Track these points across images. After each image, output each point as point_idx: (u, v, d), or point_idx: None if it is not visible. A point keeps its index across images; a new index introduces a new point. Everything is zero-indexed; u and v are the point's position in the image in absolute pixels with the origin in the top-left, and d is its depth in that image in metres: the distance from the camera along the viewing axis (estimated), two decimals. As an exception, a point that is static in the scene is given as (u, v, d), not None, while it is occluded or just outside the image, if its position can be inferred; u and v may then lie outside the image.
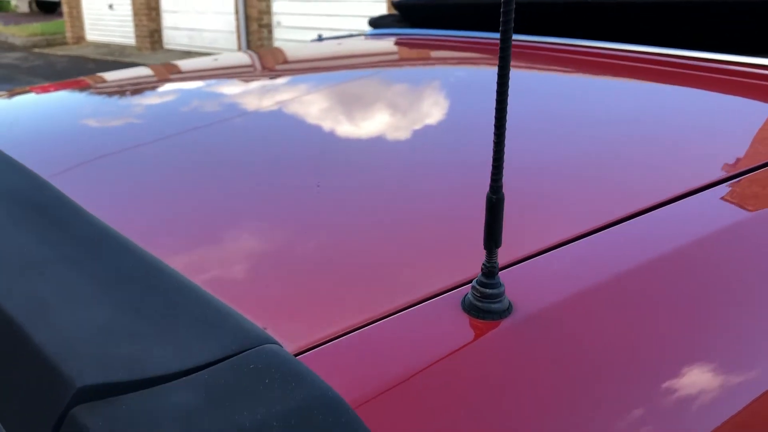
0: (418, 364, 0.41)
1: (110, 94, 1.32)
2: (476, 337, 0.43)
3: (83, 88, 1.37)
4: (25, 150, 0.88)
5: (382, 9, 7.56)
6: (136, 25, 11.13)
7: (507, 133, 0.41)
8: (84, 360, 0.36)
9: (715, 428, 0.42)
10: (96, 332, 0.39)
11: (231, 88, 1.26)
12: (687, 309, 0.48)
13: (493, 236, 0.42)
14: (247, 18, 9.43)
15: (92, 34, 12.60)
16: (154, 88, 1.36)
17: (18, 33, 13.08)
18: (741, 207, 0.61)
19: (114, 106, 1.21)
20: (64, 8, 12.71)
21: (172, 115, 1.06)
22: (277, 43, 9.39)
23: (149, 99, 1.25)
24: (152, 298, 0.44)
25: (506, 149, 0.41)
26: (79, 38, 12.70)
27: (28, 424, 0.35)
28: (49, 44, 12.59)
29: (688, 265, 0.53)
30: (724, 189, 0.63)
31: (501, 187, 0.41)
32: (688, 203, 0.60)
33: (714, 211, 0.60)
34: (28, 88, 1.38)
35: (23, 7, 20.10)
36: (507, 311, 0.44)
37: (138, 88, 1.35)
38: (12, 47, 12.54)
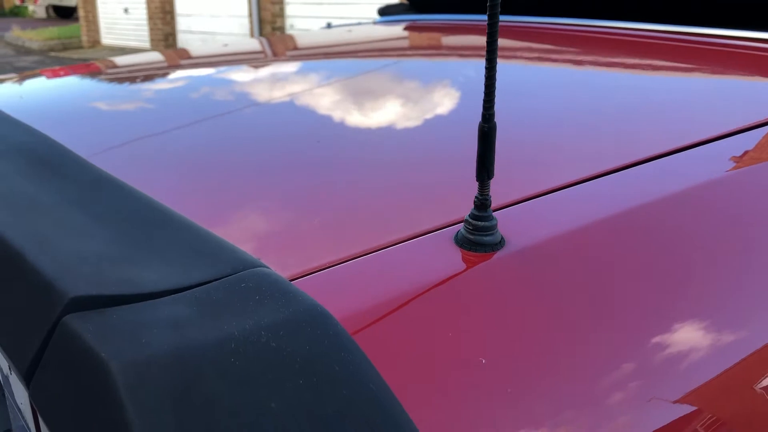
0: (407, 291, 0.41)
1: (120, 77, 1.33)
2: (467, 268, 0.43)
3: (93, 72, 1.39)
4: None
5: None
6: (151, 29, 11.23)
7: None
8: (78, 276, 0.37)
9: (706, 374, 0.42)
10: (92, 257, 0.40)
11: (242, 72, 1.27)
12: (676, 254, 0.48)
13: (485, 166, 0.42)
14: (261, 21, 9.48)
15: (107, 38, 12.72)
16: (163, 71, 1.37)
17: (35, 37, 13.23)
18: (733, 164, 0.61)
19: (122, 88, 1.23)
20: (80, 12, 12.84)
21: (182, 99, 1.07)
22: (290, 46, 9.40)
23: (158, 82, 1.26)
24: (149, 231, 0.44)
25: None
26: (95, 42, 12.82)
27: (23, 334, 0.36)
28: (65, 48, 12.72)
29: (679, 212, 0.53)
30: (716, 146, 0.63)
31: (493, 116, 0.42)
32: (679, 157, 0.60)
33: (707, 164, 0.60)
34: (38, 71, 1.39)
35: (41, 12, 20.34)
36: (499, 244, 0.44)
37: (147, 71, 1.37)
38: (29, 51, 12.69)
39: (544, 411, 0.38)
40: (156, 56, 1.52)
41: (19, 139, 0.64)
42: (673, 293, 0.46)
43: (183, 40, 11.09)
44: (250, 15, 9.53)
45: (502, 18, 1.40)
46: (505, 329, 0.40)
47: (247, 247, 0.44)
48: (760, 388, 0.46)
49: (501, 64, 1.02)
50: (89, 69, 1.39)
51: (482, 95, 0.41)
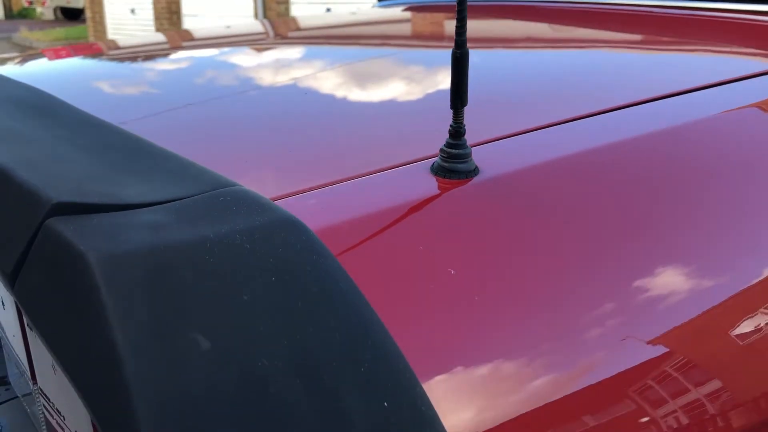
0: (382, 213, 0.43)
1: (122, 57, 1.35)
2: (441, 194, 0.44)
3: (95, 53, 1.41)
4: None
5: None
6: (157, 29, 11.28)
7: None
8: (62, 187, 0.38)
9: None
10: (76, 175, 0.42)
11: (242, 52, 1.29)
12: (652, 195, 0.50)
13: (459, 94, 0.44)
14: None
15: (114, 38, 12.78)
16: (165, 52, 1.39)
17: (42, 38, 13.31)
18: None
19: (125, 68, 1.24)
20: (87, 13, 12.92)
21: (183, 78, 1.09)
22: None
23: (160, 62, 1.28)
24: (132, 158, 0.46)
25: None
26: (102, 43, 12.87)
27: (9, 237, 0.37)
28: (73, 49, 12.77)
29: (656, 153, 0.54)
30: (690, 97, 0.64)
31: (465, 41, 0.43)
32: (654, 105, 0.61)
33: (679, 110, 0.61)
34: (40, 50, 1.41)
35: (48, 14, 20.46)
36: (473, 172, 0.45)
37: (149, 52, 1.38)
38: (36, 52, 12.75)
39: (511, 333, 0.40)
40: (158, 37, 1.54)
41: (11, 90, 0.65)
42: (646, 234, 0.47)
43: (189, 41, 11.13)
44: (256, 15, 9.57)
45: None
46: (476, 252, 0.42)
47: (229, 174, 0.46)
48: (735, 334, 0.47)
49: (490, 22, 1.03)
50: (91, 49, 1.41)
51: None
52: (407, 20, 1.48)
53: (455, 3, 1.52)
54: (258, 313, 0.33)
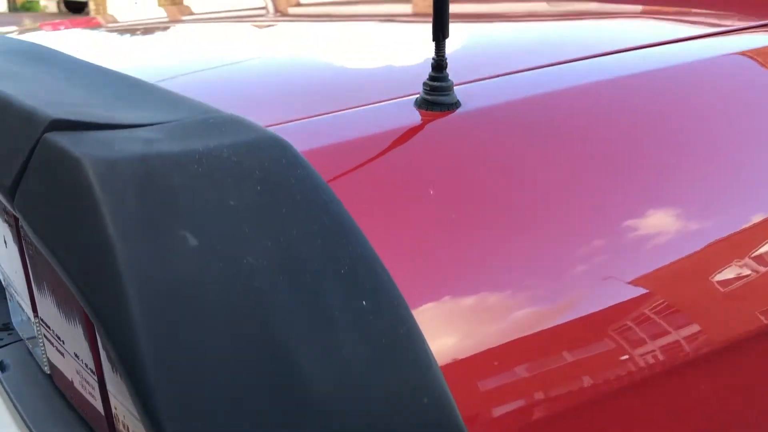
0: (367, 141, 0.44)
1: (120, 31, 1.37)
2: (424, 125, 0.46)
3: (94, 26, 1.43)
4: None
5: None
6: (161, 21, 11.30)
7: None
8: (59, 108, 0.40)
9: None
10: (73, 101, 0.44)
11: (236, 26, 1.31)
12: (635, 136, 0.51)
13: (440, 26, 0.45)
14: (269, 12, 9.53)
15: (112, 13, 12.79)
16: (163, 25, 1.41)
17: (46, 30, 13.33)
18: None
19: (123, 41, 1.26)
20: (91, 5, 12.94)
21: (177, 48, 1.11)
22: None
23: (157, 35, 1.30)
24: (128, 90, 0.48)
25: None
26: (105, 35, 12.90)
27: (9, 153, 0.39)
28: (76, 41, 12.81)
29: (637, 95, 0.55)
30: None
31: (445, -28, 0.45)
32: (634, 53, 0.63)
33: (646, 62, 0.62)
34: (38, 24, 1.43)
35: (52, 7, 20.47)
36: (455, 105, 0.47)
37: (147, 25, 1.40)
38: (40, 44, 12.78)
39: (492, 261, 0.42)
40: (159, 12, 1.56)
41: (8, 43, 0.68)
42: (629, 174, 0.48)
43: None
44: (259, 6, 9.60)
45: None
46: (457, 178, 0.43)
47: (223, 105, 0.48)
48: (715, 280, 0.49)
49: None
50: (89, 23, 1.43)
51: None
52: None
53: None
54: (244, 215, 0.34)
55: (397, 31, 0.86)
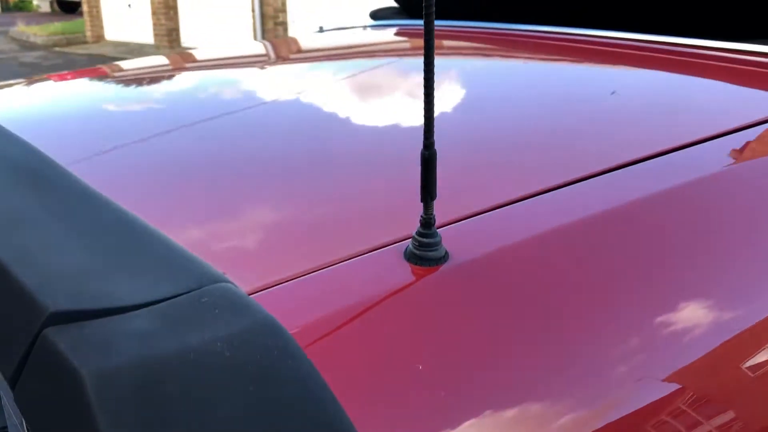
0: (360, 304, 0.46)
1: (126, 81, 1.38)
2: (414, 281, 0.47)
3: (100, 76, 1.44)
4: (40, 135, 0.95)
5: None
6: (155, 24, 11.27)
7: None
8: (57, 292, 0.41)
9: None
10: (69, 272, 0.45)
11: (240, 78, 1.32)
12: (606, 268, 0.53)
13: (428, 189, 0.47)
14: (263, 16, 9.51)
15: (111, 33, 12.77)
16: (168, 75, 1.42)
17: (39, 32, 13.29)
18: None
19: (129, 94, 1.27)
20: (84, 7, 12.90)
21: (181, 102, 1.12)
22: (292, 41, 9.46)
23: (162, 86, 1.31)
24: (125, 243, 0.49)
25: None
26: (99, 37, 12.87)
27: (9, 342, 0.40)
28: (69, 43, 12.78)
29: (607, 230, 0.57)
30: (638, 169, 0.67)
31: (433, 143, 0.46)
32: (621, 173, 0.64)
33: (636, 183, 0.64)
34: (45, 75, 1.44)
35: (45, 7, 20.41)
36: (443, 259, 0.48)
37: (153, 76, 1.41)
38: (33, 46, 12.75)
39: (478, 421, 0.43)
40: (162, 60, 1.57)
41: (6, 151, 0.68)
42: (612, 308, 0.50)
43: (187, 35, 11.14)
44: (253, 10, 9.57)
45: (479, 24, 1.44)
46: (446, 338, 0.45)
47: (215, 260, 0.49)
48: (745, 367, 0.51)
49: (463, 64, 1.06)
50: (96, 73, 1.44)
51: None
52: (406, 48, 1.50)
53: (446, 27, 1.55)
54: (235, 421, 0.36)
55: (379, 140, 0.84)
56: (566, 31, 1.27)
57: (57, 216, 0.54)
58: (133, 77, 1.41)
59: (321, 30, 1.76)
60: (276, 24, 9.43)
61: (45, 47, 12.57)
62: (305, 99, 1.02)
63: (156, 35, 11.31)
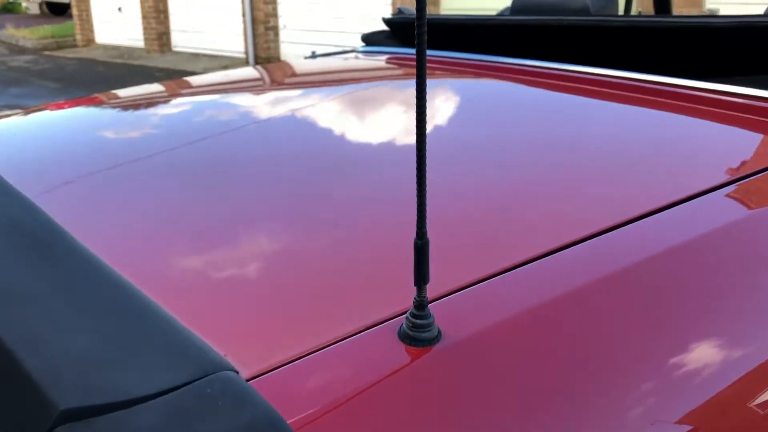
0: (356, 387, 0.48)
1: (123, 110, 1.39)
2: (408, 362, 0.49)
3: (97, 104, 1.45)
4: (37, 167, 0.97)
5: (387, 11, 7.62)
6: (145, 28, 11.25)
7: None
8: (66, 386, 0.43)
9: None
10: (77, 360, 0.46)
11: (234, 106, 1.34)
12: (598, 338, 0.55)
13: (421, 275, 0.49)
14: (254, 21, 9.51)
15: (102, 37, 12.73)
16: (164, 103, 1.43)
17: (29, 36, 13.24)
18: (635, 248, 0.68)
19: (126, 123, 1.29)
20: (74, 11, 12.85)
21: (174, 131, 1.14)
22: (283, 45, 9.48)
23: (159, 116, 1.33)
24: (128, 327, 0.51)
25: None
26: (89, 41, 12.83)
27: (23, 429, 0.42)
28: (59, 47, 12.73)
29: (597, 300, 0.59)
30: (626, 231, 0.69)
31: (425, 233, 0.48)
32: (608, 238, 0.66)
33: (626, 246, 0.66)
34: (42, 105, 1.45)
35: (33, 8, 20.30)
36: (436, 339, 0.50)
37: (149, 104, 1.43)
38: (23, 50, 12.69)
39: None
40: (157, 88, 1.58)
41: (7, 214, 0.70)
42: (604, 381, 0.52)
43: (177, 40, 11.12)
44: (243, 15, 9.56)
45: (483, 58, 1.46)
46: (439, 420, 0.47)
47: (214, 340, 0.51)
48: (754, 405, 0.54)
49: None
50: (92, 102, 1.45)
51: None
52: (394, 77, 1.52)
53: (435, 56, 1.57)
54: None
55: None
56: (559, 67, 1.29)
57: (61, 291, 0.55)
58: (129, 105, 1.43)
59: (313, 55, 1.78)
60: (267, 29, 9.43)
61: (35, 51, 12.52)
62: (295, 146, 1.04)
63: (146, 39, 11.29)
